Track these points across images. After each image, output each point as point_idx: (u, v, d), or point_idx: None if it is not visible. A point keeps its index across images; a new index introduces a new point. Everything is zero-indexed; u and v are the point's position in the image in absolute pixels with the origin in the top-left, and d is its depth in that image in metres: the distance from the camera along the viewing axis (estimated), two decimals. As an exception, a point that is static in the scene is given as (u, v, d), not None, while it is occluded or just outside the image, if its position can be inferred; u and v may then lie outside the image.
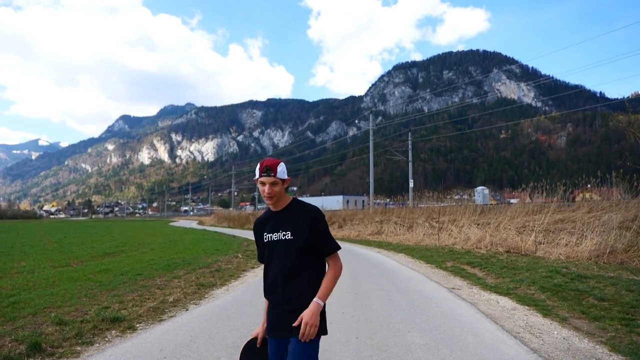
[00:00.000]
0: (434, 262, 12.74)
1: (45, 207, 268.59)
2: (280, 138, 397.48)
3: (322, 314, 2.36)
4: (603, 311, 6.18)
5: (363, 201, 66.66)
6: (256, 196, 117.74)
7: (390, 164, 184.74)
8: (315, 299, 2.30)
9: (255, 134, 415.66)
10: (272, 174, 2.36)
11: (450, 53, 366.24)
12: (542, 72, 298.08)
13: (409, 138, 39.41)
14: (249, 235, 28.70)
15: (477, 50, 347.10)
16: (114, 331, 5.44)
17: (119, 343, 5.00)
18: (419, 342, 5.00)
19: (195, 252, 15.78)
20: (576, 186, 17.58)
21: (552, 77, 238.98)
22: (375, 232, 25.07)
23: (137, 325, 5.76)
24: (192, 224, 64.26)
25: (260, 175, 2.39)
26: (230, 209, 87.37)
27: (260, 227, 2.57)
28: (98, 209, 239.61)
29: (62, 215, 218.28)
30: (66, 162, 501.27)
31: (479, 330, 5.55)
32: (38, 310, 6.30)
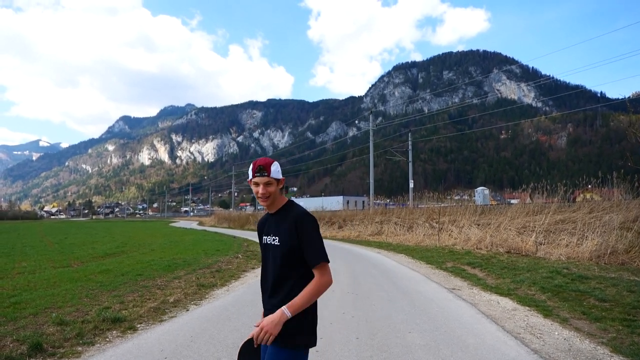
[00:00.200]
0: (434, 262, 12.74)
1: (46, 208, 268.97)
2: (280, 139, 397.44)
3: (310, 325, 2.28)
4: (604, 312, 6.18)
5: (363, 202, 66.67)
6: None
7: (391, 164, 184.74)
8: (283, 307, 2.16)
9: (255, 134, 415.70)
10: (266, 174, 2.28)
11: (450, 53, 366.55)
12: (543, 72, 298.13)
13: (409, 138, 39.40)
14: (249, 235, 28.72)
15: (477, 50, 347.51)
16: (114, 331, 5.45)
17: (119, 343, 5.00)
18: (419, 342, 5.00)
19: (195, 252, 15.77)
20: (577, 187, 17.57)
21: (553, 77, 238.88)
22: (376, 232, 25.06)
23: (138, 326, 5.77)
24: (193, 224, 64.23)
25: (254, 176, 2.31)
26: (231, 209, 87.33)
27: (260, 228, 2.52)
28: (98, 209, 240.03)
29: (63, 216, 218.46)
30: (67, 163, 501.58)
31: (479, 330, 5.55)
32: (39, 311, 6.30)
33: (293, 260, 2.28)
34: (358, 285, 9.10)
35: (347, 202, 63.76)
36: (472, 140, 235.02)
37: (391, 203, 41.26)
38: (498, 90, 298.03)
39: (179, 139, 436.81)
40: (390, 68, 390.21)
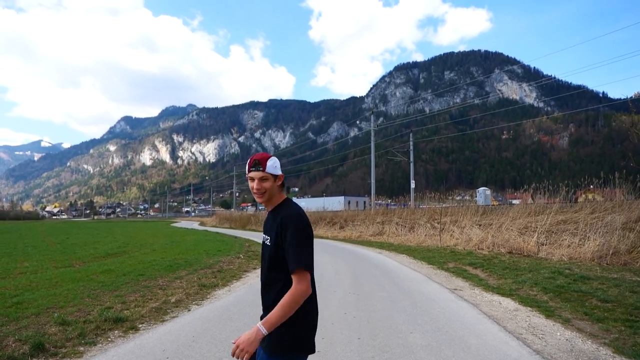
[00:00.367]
0: (435, 263, 12.72)
1: (48, 208, 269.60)
2: (282, 139, 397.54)
3: (307, 335, 2.17)
4: (606, 312, 6.16)
5: (364, 202, 66.71)
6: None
7: (392, 164, 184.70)
8: (258, 324, 2.06)
9: (257, 134, 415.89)
10: (261, 169, 2.21)
11: (451, 53, 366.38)
12: (544, 73, 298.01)
13: (411, 139, 39.39)
14: (251, 236, 28.73)
15: (479, 50, 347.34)
16: (116, 331, 5.45)
17: (121, 343, 5.01)
18: (421, 343, 4.99)
19: (197, 252, 15.79)
20: (579, 187, 17.54)
21: (554, 78, 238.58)
22: (377, 233, 25.05)
23: (140, 326, 5.77)
24: (194, 224, 64.29)
25: (249, 170, 2.24)
26: (232, 209, 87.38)
27: (263, 226, 2.44)
28: (100, 209, 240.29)
29: (65, 216, 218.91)
30: (68, 163, 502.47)
31: (481, 331, 5.55)
32: (41, 311, 6.31)
33: (279, 263, 2.17)
34: (360, 285, 9.09)
35: (349, 203, 63.79)
36: (474, 141, 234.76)
37: (392, 203, 41.22)
38: (500, 90, 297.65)
39: (181, 139, 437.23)
40: (391, 68, 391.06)
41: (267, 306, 2.22)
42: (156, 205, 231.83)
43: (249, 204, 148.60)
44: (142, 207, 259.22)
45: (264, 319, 2.06)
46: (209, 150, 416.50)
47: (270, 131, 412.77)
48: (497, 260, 12.03)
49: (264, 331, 2.03)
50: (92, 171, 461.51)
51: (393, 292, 8.29)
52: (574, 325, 5.71)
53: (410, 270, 11.55)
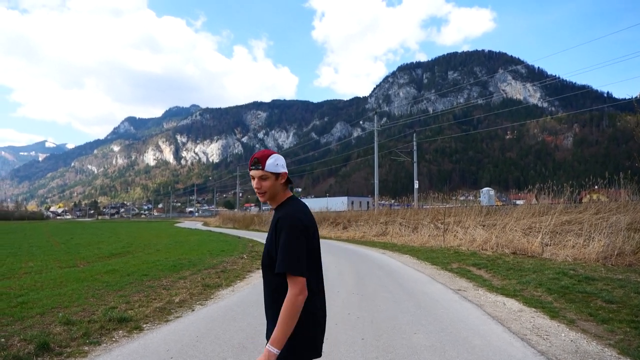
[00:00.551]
0: (439, 263, 12.70)
1: (52, 208, 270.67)
2: (285, 139, 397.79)
3: (311, 336, 2.08)
4: (611, 313, 6.14)
5: (368, 202, 66.62)
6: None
7: (395, 165, 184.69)
8: (267, 346, 1.93)
9: (260, 135, 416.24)
10: (260, 167, 2.13)
11: (455, 53, 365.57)
12: (549, 73, 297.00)
13: (414, 139, 39.37)
14: (254, 236, 28.78)
15: (483, 50, 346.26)
16: (120, 331, 5.47)
17: (125, 343, 5.03)
18: (425, 343, 4.99)
19: (200, 253, 15.82)
20: (583, 187, 17.50)
21: (559, 78, 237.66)
22: (380, 233, 25.02)
23: (144, 326, 5.79)
24: (197, 225, 64.39)
25: (250, 168, 2.19)
26: (235, 210, 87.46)
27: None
28: (104, 210, 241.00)
29: (69, 216, 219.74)
30: (72, 164, 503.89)
31: (485, 332, 5.54)
32: (46, 310, 6.34)
33: (273, 264, 2.07)
34: (363, 286, 9.09)
35: (352, 203, 63.65)
36: (477, 141, 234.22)
37: (396, 204, 41.20)
38: (503, 90, 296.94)
39: (184, 140, 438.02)
40: (394, 68, 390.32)
41: (265, 309, 2.19)
42: (160, 206, 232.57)
43: (253, 204, 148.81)
44: (145, 207, 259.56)
45: (271, 337, 1.95)
46: (212, 150, 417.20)
47: (273, 131, 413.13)
48: (501, 261, 12.00)
49: (275, 351, 1.91)
50: (96, 171, 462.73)
51: (397, 293, 8.28)
52: (578, 326, 5.69)
53: (414, 271, 11.53)
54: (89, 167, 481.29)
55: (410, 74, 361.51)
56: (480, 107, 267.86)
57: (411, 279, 10.10)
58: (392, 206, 37.51)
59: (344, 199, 66.76)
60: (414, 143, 39.04)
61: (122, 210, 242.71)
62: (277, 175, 2.16)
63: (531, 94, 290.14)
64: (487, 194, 32.78)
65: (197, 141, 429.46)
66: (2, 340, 4.82)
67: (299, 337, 2.02)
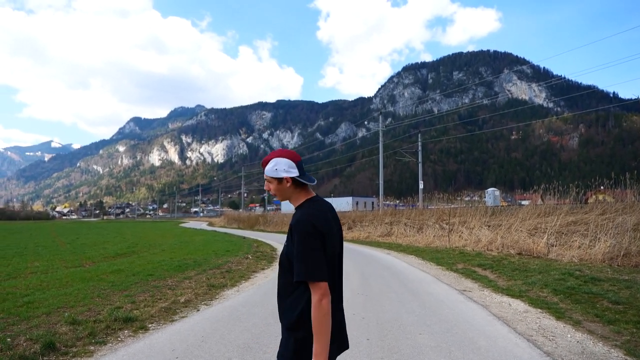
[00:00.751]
0: (444, 264, 12.66)
1: (58, 209, 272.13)
2: (290, 139, 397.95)
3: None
4: (618, 314, 6.10)
5: (372, 202, 66.61)
6: (265, 197, 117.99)
7: (400, 165, 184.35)
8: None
9: (265, 135, 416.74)
10: (264, 171, 2.11)
11: (460, 54, 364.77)
12: (554, 73, 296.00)
13: (419, 139, 39.27)
14: (259, 236, 28.80)
15: (488, 50, 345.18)
16: (126, 331, 5.49)
17: (131, 343, 5.04)
18: (430, 344, 4.97)
19: (205, 253, 15.85)
20: (589, 188, 17.43)
21: (564, 78, 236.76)
22: (385, 233, 24.99)
23: (149, 326, 5.81)
24: (202, 225, 64.54)
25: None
26: (240, 210, 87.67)
27: None
28: (109, 210, 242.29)
29: (74, 216, 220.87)
30: (78, 164, 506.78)
31: (491, 332, 5.51)
32: (52, 310, 6.37)
33: (290, 269, 1.99)
34: (368, 286, 9.07)
35: (357, 203, 63.63)
36: (483, 141, 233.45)
37: (401, 204, 41.18)
38: (509, 90, 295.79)
39: (189, 140, 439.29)
40: (399, 69, 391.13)
41: (279, 316, 2.09)
42: (165, 206, 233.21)
43: (257, 205, 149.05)
44: (150, 207, 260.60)
45: (313, 354, 1.85)
46: (217, 150, 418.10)
47: (278, 132, 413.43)
48: (507, 262, 11.95)
49: None
50: (101, 172, 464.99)
51: (402, 293, 8.26)
52: (584, 327, 5.66)
53: (419, 271, 11.51)
54: (95, 167, 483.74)
55: (415, 74, 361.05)
56: (486, 108, 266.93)
57: (416, 280, 10.07)
58: (397, 206, 37.46)
59: (349, 199, 66.74)
60: (419, 143, 38.94)
61: (128, 210, 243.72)
62: (279, 179, 2.08)
63: (537, 94, 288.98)
64: (492, 195, 32.67)
65: (202, 141, 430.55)
66: (9, 339, 4.84)
67: (304, 337, 1.94)
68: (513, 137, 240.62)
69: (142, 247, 20.14)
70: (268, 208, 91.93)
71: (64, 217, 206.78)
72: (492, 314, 6.54)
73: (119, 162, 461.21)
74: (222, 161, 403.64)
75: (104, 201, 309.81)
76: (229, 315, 6.45)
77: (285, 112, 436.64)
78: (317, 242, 1.93)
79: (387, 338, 5.22)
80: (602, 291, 7.46)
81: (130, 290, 8.10)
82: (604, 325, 5.72)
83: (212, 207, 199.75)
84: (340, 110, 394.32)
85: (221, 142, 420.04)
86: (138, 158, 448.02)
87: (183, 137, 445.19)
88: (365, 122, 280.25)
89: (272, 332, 5.40)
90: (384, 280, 9.89)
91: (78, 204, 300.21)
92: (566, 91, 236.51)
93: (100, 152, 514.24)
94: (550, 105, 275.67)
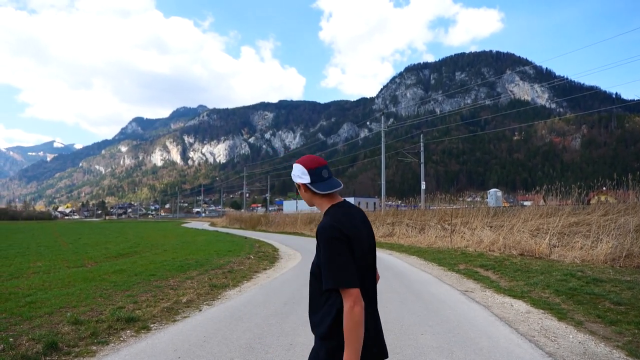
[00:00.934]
0: (446, 264, 12.66)
1: (60, 209, 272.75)
2: (292, 140, 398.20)
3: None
4: (619, 315, 6.10)
5: (374, 203, 66.59)
6: (267, 198, 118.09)
7: (402, 165, 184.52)
8: None
9: (267, 135, 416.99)
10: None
11: (462, 54, 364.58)
12: (557, 73, 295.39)
13: (421, 140, 39.27)
14: (261, 236, 28.82)
15: (490, 51, 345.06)
16: (128, 331, 5.50)
17: (133, 343, 5.05)
18: (432, 344, 4.97)
19: (207, 253, 15.87)
20: (591, 189, 17.41)
21: (567, 78, 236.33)
22: (387, 234, 24.98)
23: (151, 326, 5.82)
24: (204, 225, 64.60)
25: None
26: (242, 210, 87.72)
27: None
28: (111, 210, 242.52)
29: (76, 217, 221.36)
30: (80, 164, 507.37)
31: (493, 333, 5.51)
32: (54, 310, 6.39)
33: (320, 281, 1.90)
34: (370, 286, 9.05)
35: (359, 204, 63.59)
36: (485, 142, 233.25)
37: (403, 205, 41.13)
38: (511, 91, 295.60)
39: (191, 140, 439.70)
40: (402, 69, 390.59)
41: (311, 327, 2.01)
42: (167, 206, 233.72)
43: (259, 205, 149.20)
44: (153, 207, 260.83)
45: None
46: (219, 151, 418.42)
47: (280, 132, 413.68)
48: (509, 262, 11.94)
49: None
50: (103, 172, 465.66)
51: (403, 294, 8.26)
52: (586, 328, 5.65)
53: (421, 272, 11.51)
54: (97, 167, 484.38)
55: (417, 74, 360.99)
56: (488, 108, 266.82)
57: (418, 280, 10.07)
58: (399, 207, 37.45)
59: (351, 199, 66.74)
60: (421, 144, 38.94)
61: (130, 210, 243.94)
62: (298, 185, 2.07)
63: (539, 95, 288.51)
64: (494, 195, 32.68)
65: (204, 142, 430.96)
66: (11, 339, 4.86)
67: (334, 346, 1.85)
68: (515, 138, 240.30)
69: (144, 247, 20.16)
70: (270, 208, 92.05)
71: (66, 217, 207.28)
72: (494, 315, 6.54)
73: (121, 162, 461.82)
74: (224, 161, 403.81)
75: (106, 201, 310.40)
76: (231, 316, 6.46)
77: (288, 113, 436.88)
78: (343, 246, 1.85)
79: (388, 338, 5.20)
80: (604, 292, 7.44)
81: (133, 291, 8.12)
82: (605, 326, 5.71)
83: (214, 208, 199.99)
84: (342, 110, 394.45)
85: (223, 142, 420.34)
86: (140, 158, 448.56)
87: (185, 138, 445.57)
88: (368, 123, 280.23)
89: (274, 332, 5.41)
90: (385, 281, 9.89)
91: (80, 204, 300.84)
92: (569, 92, 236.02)
93: (103, 152, 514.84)
94: (553, 106, 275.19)
